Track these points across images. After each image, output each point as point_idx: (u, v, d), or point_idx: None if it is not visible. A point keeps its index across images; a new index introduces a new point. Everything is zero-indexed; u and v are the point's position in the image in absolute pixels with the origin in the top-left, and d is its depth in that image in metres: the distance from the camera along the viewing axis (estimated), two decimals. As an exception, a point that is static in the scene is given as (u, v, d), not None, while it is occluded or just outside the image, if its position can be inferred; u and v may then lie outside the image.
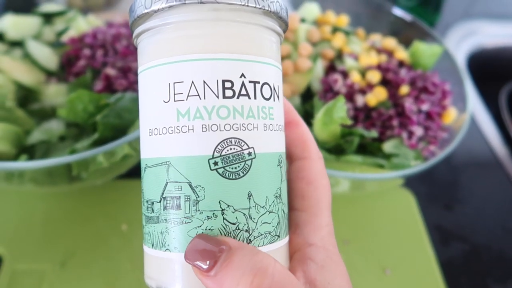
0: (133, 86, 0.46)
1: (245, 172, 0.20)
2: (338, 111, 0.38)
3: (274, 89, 0.21)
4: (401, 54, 0.52)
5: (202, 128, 0.19)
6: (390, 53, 0.53)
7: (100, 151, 0.35)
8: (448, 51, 0.52)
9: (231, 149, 0.19)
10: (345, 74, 0.49)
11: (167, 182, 0.20)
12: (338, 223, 0.48)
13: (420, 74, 0.49)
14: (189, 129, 0.19)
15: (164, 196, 0.20)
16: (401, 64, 0.52)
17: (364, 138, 0.44)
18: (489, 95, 0.74)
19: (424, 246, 0.47)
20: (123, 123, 0.40)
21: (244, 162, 0.20)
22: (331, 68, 0.51)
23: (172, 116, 0.20)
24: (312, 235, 0.23)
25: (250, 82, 0.20)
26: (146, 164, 0.21)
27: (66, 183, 0.41)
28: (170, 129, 0.20)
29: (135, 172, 0.46)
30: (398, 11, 0.57)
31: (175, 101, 0.20)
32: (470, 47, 0.80)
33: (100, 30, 0.49)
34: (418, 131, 0.45)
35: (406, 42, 0.56)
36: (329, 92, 0.48)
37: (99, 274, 0.41)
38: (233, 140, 0.19)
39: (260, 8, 0.20)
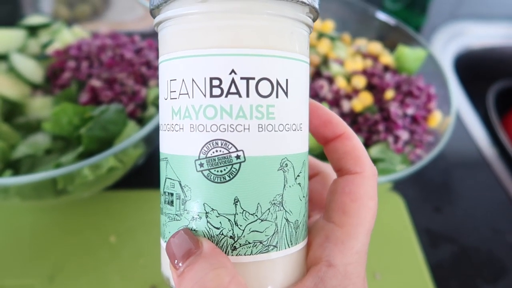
0: (118, 97, 0.46)
1: (231, 176, 0.19)
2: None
3: (278, 84, 0.19)
4: (386, 58, 0.52)
5: (190, 128, 0.19)
6: (375, 58, 0.53)
7: (85, 165, 0.35)
8: (433, 54, 0.52)
9: (217, 151, 0.19)
10: (331, 80, 0.50)
11: (166, 178, 0.20)
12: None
13: (405, 78, 0.50)
14: (180, 128, 0.19)
15: (164, 191, 0.20)
16: (386, 68, 0.52)
17: (350, 143, 0.45)
18: (476, 95, 0.75)
19: (413, 249, 0.47)
20: (108, 135, 0.40)
21: (231, 166, 0.19)
22: (317, 74, 0.51)
23: (168, 114, 0.20)
24: (337, 255, 0.20)
25: (242, 78, 0.18)
26: (160, 157, 0.21)
27: (53, 197, 0.41)
28: (167, 126, 0.20)
29: (122, 183, 0.46)
30: (382, 16, 0.57)
31: (170, 99, 0.20)
32: (457, 48, 0.81)
33: (85, 42, 0.49)
34: (404, 135, 0.46)
35: (391, 47, 0.56)
36: (315, 98, 0.49)
37: (88, 287, 0.40)
38: (219, 142, 0.18)
39: None
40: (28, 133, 0.44)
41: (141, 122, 0.46)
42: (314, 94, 0.49)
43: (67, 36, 0.50)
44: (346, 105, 0.48)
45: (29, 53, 0.49)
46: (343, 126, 0.22)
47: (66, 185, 0.38)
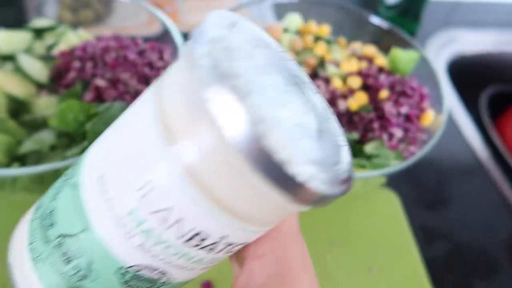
0: (122, 96, 0.47)
1: None
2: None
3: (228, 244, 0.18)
4: (381, 60, 0.54)
5: (140, 245, 0.17)
6: (370, 60, 0.55)
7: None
8: (425, 56, 0.54)
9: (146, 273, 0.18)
10: (327, 81, 0.51)
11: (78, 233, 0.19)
12: (323, 225, 0.49)
13: (399, 79, 0.51)
14: (131, 236, 0.17)
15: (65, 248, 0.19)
16: (380, 70, 0.54)
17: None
18: (469, 100, 0.77)
19: (408, 245, 0.48)
20: (113, 131, 0.42)
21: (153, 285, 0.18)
22: (314, 75, 0.53)
23: (143, 215, 0.18)
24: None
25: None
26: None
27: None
28: (124, 217, 0.18)
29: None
30: (376, 20, 0.59)
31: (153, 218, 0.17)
32: (450, 55, 0.83)
33: (89, 44, 0.50)
34: (398, 132, 0.47)
35: (385, 50, 0.58)
36: (312, 98, 0.50)
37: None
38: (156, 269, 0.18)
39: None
40: (33, 130, 0.46)
41: (144, 120, 0.47)
42: (311, 94, 0.50)
43: (72, 38, 0.52)
44: (342, 104, 0.49)
45: (34, 54, 0.50)
46: None
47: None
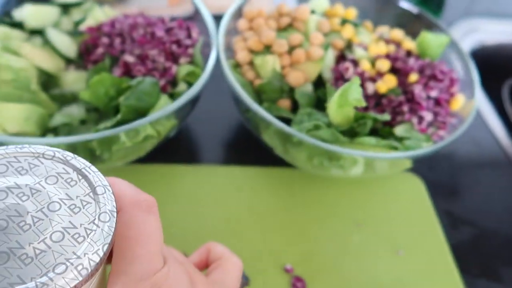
0: (150, 72, 0.47)
1: None
2: (353, 93, 0.39)
3: None
4: (409, 44, 0.53)
5: None
6: (397, 44, 0.55)
7: (123, 130, 0.37)
8: (455, 41, 0.53)
9: None
10: (355, 63, 0.51)
11: None
12: (350, 206, 0.49)
13: (428, 62, 0.51)
14: None
15: None
16: (408, 54, 0.53)
17: (376, 122, 0.46)
18: (491, 91, 0.76)
19: (435, 229, 0.48)
20: (143, 106, 0.42)
21: None
22: (341, 57, 0.52)
23: None
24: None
25: None
26: None
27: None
28: None
29: (148, 158, 0.47)
30: (404, 4, 0.58)
31: None
32: (471, 44, 0.82)
33: (117, 20, 0.50)
34: (428, 116, 0.47)
35: (412, 34, 0.57)
36: (340, 80, 0.50)
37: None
38: None
39: None
40: (62, 104, 0.46)
41: (172, 97, 0.47)
42: (339, 76, 0.50)
43: (99, 14, 0.51)
44: (370, 87, 0.49)
45: (62, 29, 0.50)
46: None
47: (103, 151, 0.39)
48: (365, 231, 0.47)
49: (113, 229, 0.19)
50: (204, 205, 0.47)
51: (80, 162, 0.21)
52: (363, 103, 0.40)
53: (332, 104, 0.42)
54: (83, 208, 0.20)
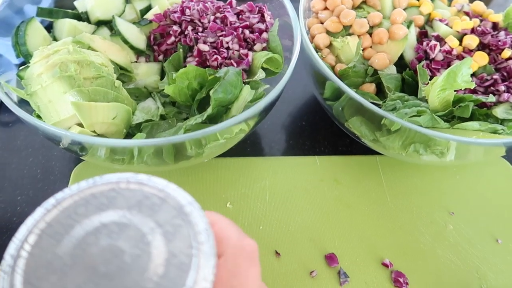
0: (225, 62, 0.44)
1: None
2: (464, 75, 0.36)
3: None
4: (495, 16, 0.49)
5: None
6: (479, 17, 0.51)
7: (221, 127, 0.34)
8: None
9: None
10: (440, 40, 0.47)
11: None
12: (441, 195, 0.46)
13: (521, 36, 0.47)
14: None
15: None
16: (494, 27, 0.50)
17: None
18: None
19: (533, 215, 0.45)
20: (230, 98, 0.39)
21: None
22: (422, 35, 0.49)
23: None
24: None
25: None
26: None
27: (173, 162, 0.40)
28: None
29: (233, 151, 0.45)
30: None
31: None
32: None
33: (187, 5, 0.47)
34: (528, 95, 0.43)
35: (492, 6, 0.53)
36: (423, 59, 0.46)
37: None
38: None
39: None
40: (137, 99, 0.43)
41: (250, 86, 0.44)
42: (423, 56, 0.46)
43: (164, 1, 0.48)
44: (459, 66, 0.45)
45: (126, 19, 0.48)
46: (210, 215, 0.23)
47: (196, 149, 0.37)
48: (459, 219, 0.44)
49: (214, 250, 0.18)
50: (289, 198, 0.45)
51: (157, 182, 0.20)
52: (473, 85, 0.37)
53: (435, 87, 0.39)
54: (176, 232, 0.19)
